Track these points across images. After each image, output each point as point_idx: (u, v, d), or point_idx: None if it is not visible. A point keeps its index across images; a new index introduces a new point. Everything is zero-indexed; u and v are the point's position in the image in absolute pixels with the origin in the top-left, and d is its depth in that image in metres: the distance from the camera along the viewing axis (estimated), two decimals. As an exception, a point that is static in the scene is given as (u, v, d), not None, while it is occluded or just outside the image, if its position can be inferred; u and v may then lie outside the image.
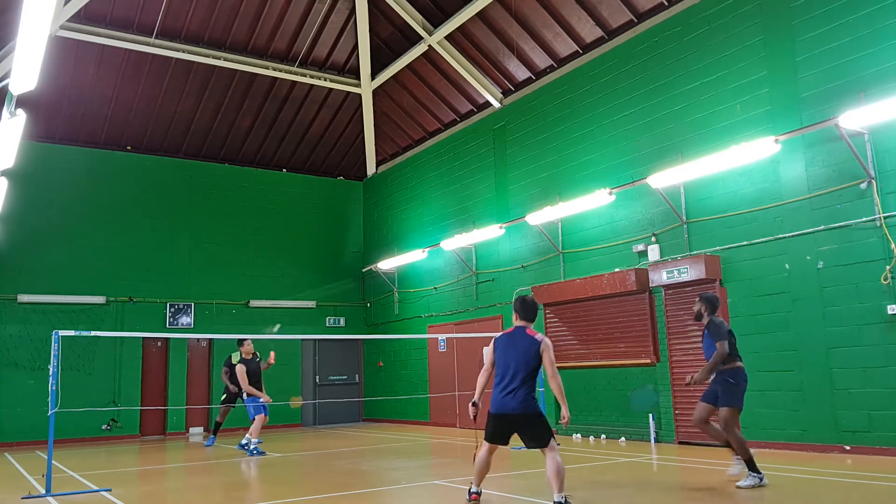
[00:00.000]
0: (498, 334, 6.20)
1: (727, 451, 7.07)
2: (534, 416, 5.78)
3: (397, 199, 18.12)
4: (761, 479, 6.59)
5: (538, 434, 5.75)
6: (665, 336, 10.74)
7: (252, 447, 11.20)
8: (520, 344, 5.90)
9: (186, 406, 16.29)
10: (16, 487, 8.27)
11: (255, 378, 11.50)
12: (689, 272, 10.03)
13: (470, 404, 6.11)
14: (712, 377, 6.95)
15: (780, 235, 9.37)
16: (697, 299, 7.32)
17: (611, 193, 11.27)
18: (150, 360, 16.20)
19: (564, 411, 5.86)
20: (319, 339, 17.92)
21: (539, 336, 5.90)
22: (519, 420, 5.78)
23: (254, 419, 11.34)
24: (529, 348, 5.84)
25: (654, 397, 10.77)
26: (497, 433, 5.91)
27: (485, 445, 6.01)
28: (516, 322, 6.11)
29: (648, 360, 10.92)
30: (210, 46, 15.46)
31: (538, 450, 5.78)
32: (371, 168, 19.28)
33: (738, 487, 6.54)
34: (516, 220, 13.54)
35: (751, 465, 6.65)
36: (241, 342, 11.82)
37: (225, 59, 15.57)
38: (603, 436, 11.59)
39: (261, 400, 11.37)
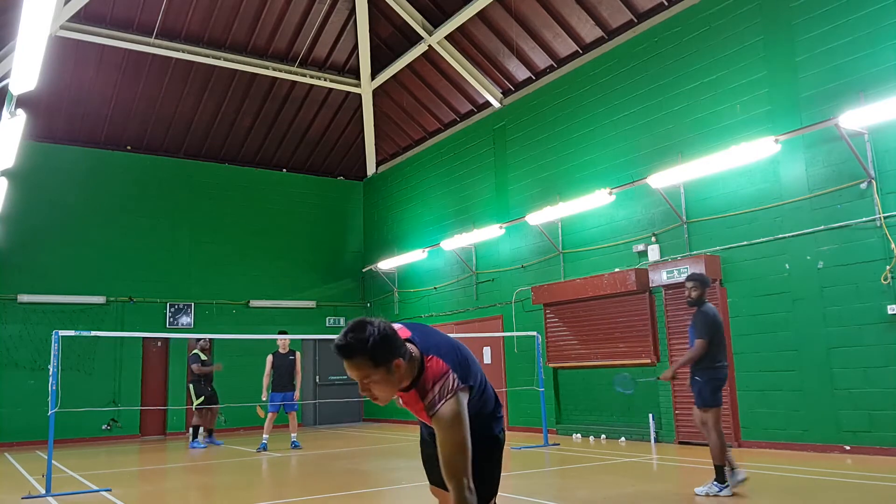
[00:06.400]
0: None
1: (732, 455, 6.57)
2: None
3: (397, 199, 18.12)
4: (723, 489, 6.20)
5: None
6: (665, 336, 10.74)
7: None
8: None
9: (186, 406, 16.26)
10: (16, 487, 8.27)
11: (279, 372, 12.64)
12: (689, 272, 10.02)
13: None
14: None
15: (780, 235, 9.36)
16: (690, 282, 6.53)
17: (611, 193, 11.27)
18: (150, 360, 16.20)
19: None
20: (319, 339, 17.89)
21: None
22: None
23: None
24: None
25: (631, 384, 10.60)
26: None
27: None
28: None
29: (648, 360, 10.92)
30: (210, 46, 15.46)
31: None
32: (371, 168, 19.28)
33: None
34: (516, 220, 13.54)
35: (719, 474, 6.26)
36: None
37: (225, 59, 15.57)
38: (603, 436, 11.59)
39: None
